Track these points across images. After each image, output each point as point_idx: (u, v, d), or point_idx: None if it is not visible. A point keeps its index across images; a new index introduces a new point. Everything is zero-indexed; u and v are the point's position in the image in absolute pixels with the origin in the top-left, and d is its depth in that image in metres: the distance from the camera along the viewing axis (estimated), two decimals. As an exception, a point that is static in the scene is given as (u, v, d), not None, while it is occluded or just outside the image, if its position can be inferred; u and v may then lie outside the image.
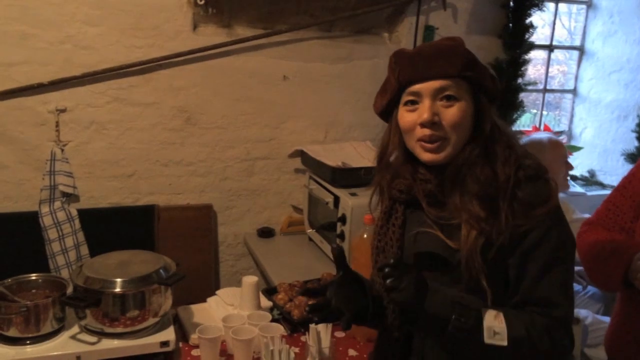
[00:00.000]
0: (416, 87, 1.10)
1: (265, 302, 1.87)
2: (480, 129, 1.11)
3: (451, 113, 1.08)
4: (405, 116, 1.12)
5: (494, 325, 1.01)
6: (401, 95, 1.13)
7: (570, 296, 1.08)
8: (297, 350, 1.64)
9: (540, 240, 1.05)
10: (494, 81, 1.14)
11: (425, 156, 1.11)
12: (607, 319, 2.59)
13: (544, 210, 1.05)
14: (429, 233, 1.12)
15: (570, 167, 2.59)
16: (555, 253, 1.06)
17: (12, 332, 1.52)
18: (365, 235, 1.70)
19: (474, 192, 1.07)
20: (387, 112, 1.18)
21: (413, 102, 1.11)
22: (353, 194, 2.21)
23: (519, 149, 1.12)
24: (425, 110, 1.08)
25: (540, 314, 1.05)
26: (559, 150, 2.49)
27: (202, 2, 2.33)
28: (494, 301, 1.05)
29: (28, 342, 1.53)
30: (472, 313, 1.02)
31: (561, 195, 2.93)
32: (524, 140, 2.63)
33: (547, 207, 1.05)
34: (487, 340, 1.00)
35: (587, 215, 2.48)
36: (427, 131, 1.08)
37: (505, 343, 1.00)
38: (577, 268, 2.67)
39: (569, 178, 2.62)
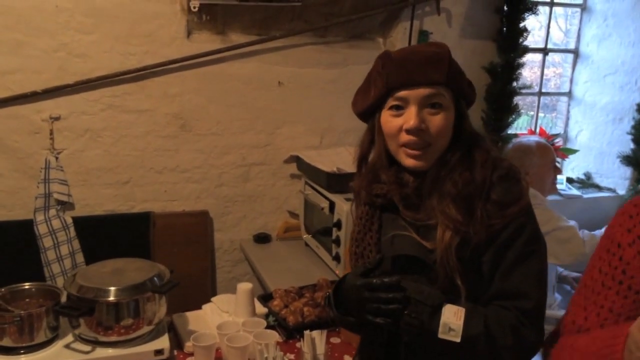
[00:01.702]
0: (403, 93, 1.09)
1: (260, 309, 1.87)
2: (460, 134, 1.13)
3: (437, 121, 1.09)
4: (391, 121, 1.12)
5: (451, 322, 1.03)
6: (386, 99, 1.13)
7: (542, 288, 1.09)
8: (292, 357, 1.64)
9: (513, 235, 1.07)
10: (471, 87, 1.18)
11: (409, 162, 1.12)
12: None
13: (516, 208, 1.07)
14: (405, 236, 1.13)
15: (559, 172, 2.57)
16: (527, 247, 1.07)
17: (6, 342, 1.52)
18: (359, 241, 1.70)
19: (451, 195, 1.09)
20: (368, 113, 1.18)
21: (398, 107, 1.11)
22: (348, 199, 2.21)
23: (493, 152, 1.15)
24: (412, 117, 1.08)
25: (509, 309, 1.06)
26: (547, 154, 2.48)
27: (196, 9, 2.33)
28: (468, 299, 1.06)
29: (22, 351, 1.53)
30: (426, 309, 1.03)
31: (552, 197, 2.94)
32: (512, 143, 2.62)
33: (519, 205, 1.08)
34: (441, 335, 1.03)
35: (572, 223, 2.44)
36: (413, 137, 1.09)
37: (458, 340, 1.02)
38: (574, 274, 2.68)
39: (557, 182, 2.61)
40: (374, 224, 1.20)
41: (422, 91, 1.08)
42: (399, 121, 1.10)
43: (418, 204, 1.13)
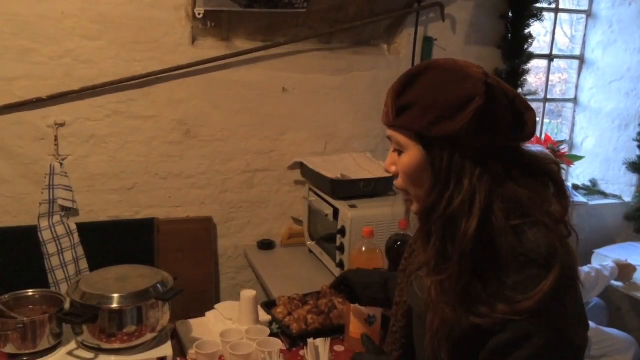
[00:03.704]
0: None
1: (264, 316, 1.86)
2: (435, 179, 0.93)
3: (399, 164, 0.99)
4: None
5: None
6: None
7: None
8: (295, 365, 1.63)
9: (508, 344, 0.86)
10: (453, 119, 0.89)
11: None
12: (611, 331, 2.58)
13: (512, 308, 0.84)
14: (422, 280, 1.00)
15: None
16: None
17: (9, 349, 1.51)
18: (363, 249, 1.69)
19: (427, 264, 0.94)
20: None
21: None
22: (352, 206, 2.20)
23: (506, 215, 0.89)
24: (387, 158, 1.03)
25: None
26: None
27: (201, 16, 2.34)
28: None
29: (25, 358, 1.52)
30: None
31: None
32: None
33: (519, 306, 0.84)
34: None
35: (585, 270, 2.46)
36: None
37: None
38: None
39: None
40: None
41: (386, 131, 1.02)
42: None
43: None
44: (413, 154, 0.95)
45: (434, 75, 0.92)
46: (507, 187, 0.90)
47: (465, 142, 0.89)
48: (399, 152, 0.98)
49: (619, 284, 2.63)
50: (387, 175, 1.08)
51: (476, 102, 0.87)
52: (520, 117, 0.93)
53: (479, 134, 0.88)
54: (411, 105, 0.92)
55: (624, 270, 2.60)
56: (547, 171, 0.95)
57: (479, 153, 0.89)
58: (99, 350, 1.56)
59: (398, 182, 1.00)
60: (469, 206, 0.88)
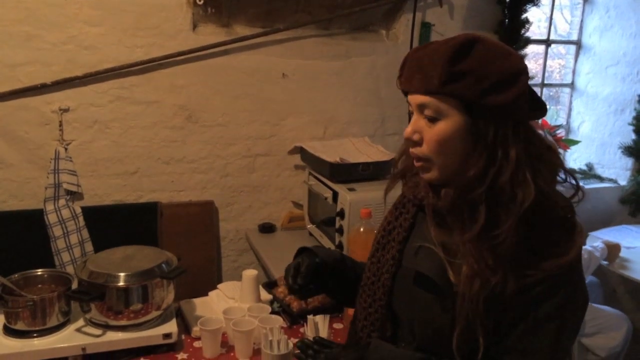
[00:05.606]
0: (408, 97, 1.01)
1: (265, 296, 1.92)
2: (482, 150, 0.95)
3: (431, 132, 0.97)
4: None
5: None
6: None
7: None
8: (295, 341, 1.68)
9: (543, 297, 0.95)
10: (505, 90, 0.93)
11: (420, 173, 1.03)
12: (604, 308, 2.64)
13: (556, 263, 0.93)
14: (432, 250, 1.03)
15: None
16: (558, 312, 0.95)
17: (20, 326, 1.57)
18: (361, 229, 1.74)
19: (477, 232, 0.94)
20: None
21: (412, 112, 1.02)
22: (351, 189, 2.24)
23: (545, 181, 0.97)
24: (409, 125, 0.99)
25: None
26: None
27: (202, 2, 2.37)
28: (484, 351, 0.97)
29: (35, 335, 1.58)
30: None
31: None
32: None
33: (561, 260, 0.93)
34: None
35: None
36: (410, 148, 1.01)
37: None
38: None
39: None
40: (406, 220, 1.11)
41: (416, 98, 0.98)
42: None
43: (450, 225, 1.00)
44: (454, 122, 0.95)
45: (485, 47, 0.95)
46: (537, 156, 0.98)
47: (510, 114, 0.94)
48: (432, 119, 0.96)
49: (605, 262, 2.68)
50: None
51: (525, 76, 0.95)
52: (537, 95, 1.02)
53: (522, 106, 0.95)
54: (466, 73, 0.93)
55: (613, 250, 2.65)
56: (547, 146, 1.02)
57: (518, 125, 0.95)
58: (106, 327, 1.61)
59: (422, 150, 0.99)
60: (521, 176, 0.93)
